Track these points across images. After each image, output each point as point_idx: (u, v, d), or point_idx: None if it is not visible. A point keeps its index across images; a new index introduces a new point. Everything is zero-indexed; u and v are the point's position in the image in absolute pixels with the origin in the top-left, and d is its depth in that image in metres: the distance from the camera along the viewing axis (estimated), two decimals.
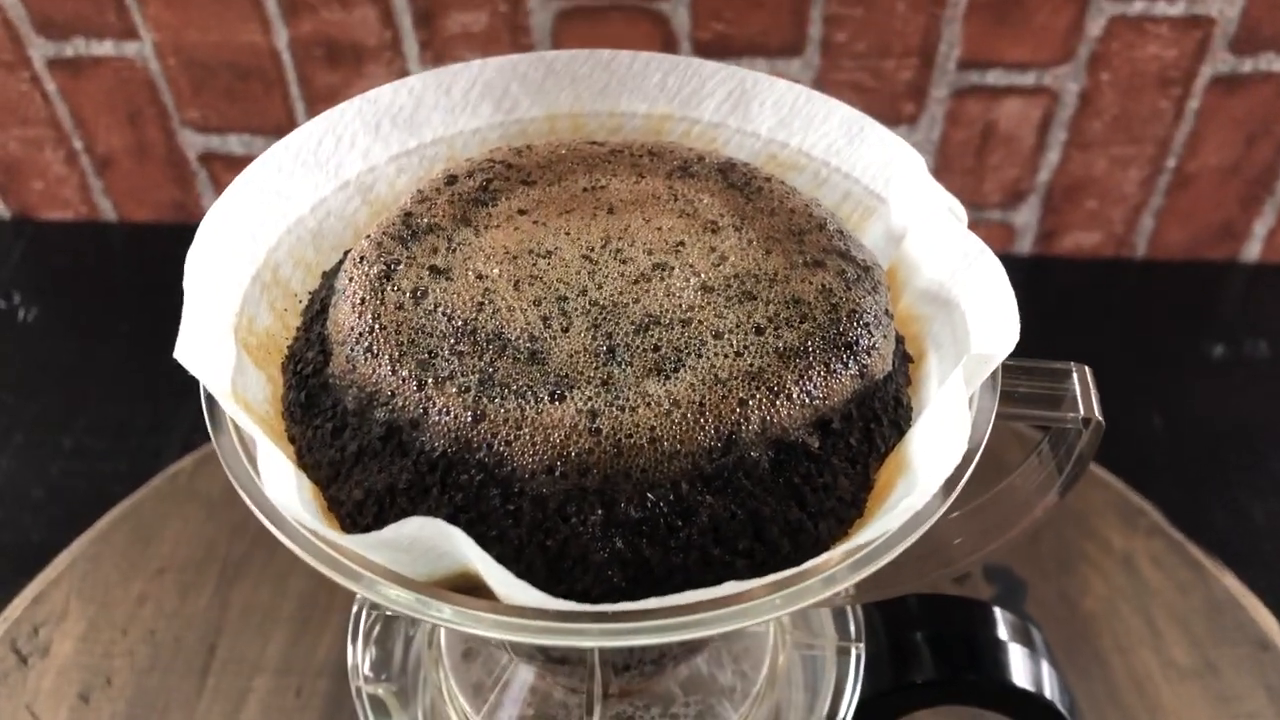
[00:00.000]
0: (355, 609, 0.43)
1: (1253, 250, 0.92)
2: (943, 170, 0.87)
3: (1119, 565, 0.59)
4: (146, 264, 0.93)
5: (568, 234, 0.32)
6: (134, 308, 0.89)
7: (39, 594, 0.58)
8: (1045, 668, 0.41)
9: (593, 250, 0.31)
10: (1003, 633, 0.41)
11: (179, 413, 0.79)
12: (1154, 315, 0.90)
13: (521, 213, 0.33)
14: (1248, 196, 0.88)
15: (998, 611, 0.41)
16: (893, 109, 0.84)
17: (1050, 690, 0.40)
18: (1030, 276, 0.92)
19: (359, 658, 0.42)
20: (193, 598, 0.58)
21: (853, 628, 0.42)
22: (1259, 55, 0.80)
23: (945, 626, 0.41)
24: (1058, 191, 0.89)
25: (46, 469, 0.76)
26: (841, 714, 0.40)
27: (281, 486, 0.26)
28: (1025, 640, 0.41)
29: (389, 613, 0.44)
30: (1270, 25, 0.78)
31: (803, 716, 0.43)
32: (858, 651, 0.41)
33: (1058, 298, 0.91)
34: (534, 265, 0.31)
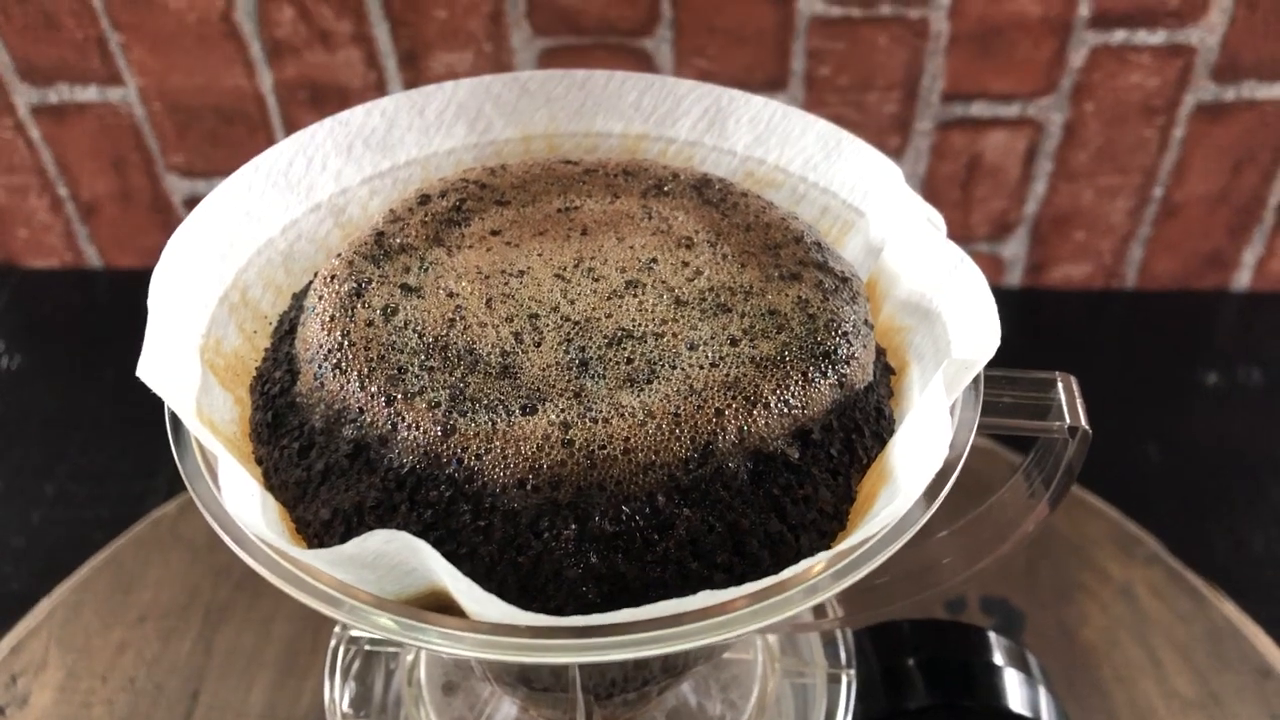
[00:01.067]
0: (333, 644, 0.42)
1: (1243, 279, 0.92)
2: (929, 203, 0.87)
3: (1118, 595, 0.58)
4: (131, 310, 0.92)
5: (540, 255, 0.31)
6: (119, 354, 0.87)
7: (18, 643, 0.56)
8: (1042, 693, 0.40)
9: (565, 270, 0.31)
10: (998, 658, 0.40)
11: (162, 459, 0.78)
12: (1146, 345, 0.90)
13: (494, 233, 0.32)
14: (1236, 225, 0.88)
15: (992, 636, 0.41)
16: (877, 142, 0.83)
17: (1048, 715, 0.39)
18: (1020, 309, 0.92)
19: (337, 694, 0.41)
20: (175, 644, 0.57)
21: (843, 654, 0.41)
22: (1241, 83, 0.80)
23: (939, 651, 0.40)
24: (1045, 223, 0.89)
25: (28, 516, 0.75)
26: None
27: (245, 505, 0.25)
28: (1021, 665, 0.40)
29: (368, 647, 0.43)
30: (1251, 53, 0.78)
31: None
32: (849, 678, 0.40)
33: (1048, 330, 0.91)
34: (506, 284, 0.30)
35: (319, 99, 0.83)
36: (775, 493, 0.27)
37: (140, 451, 0.79)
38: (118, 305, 0.94)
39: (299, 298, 0.33)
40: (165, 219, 0.92)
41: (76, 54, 0.81)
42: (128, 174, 0.88)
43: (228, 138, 0.86)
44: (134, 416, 0.81)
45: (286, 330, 0.32)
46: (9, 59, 0.82)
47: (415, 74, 0.82)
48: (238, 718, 0.53)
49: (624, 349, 0.28)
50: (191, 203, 0.91)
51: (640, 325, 0.29)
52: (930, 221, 0.32)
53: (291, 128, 0.85)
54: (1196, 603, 0.58)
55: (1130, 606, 0.58)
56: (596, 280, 0.31)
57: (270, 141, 0.86)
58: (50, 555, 0.72)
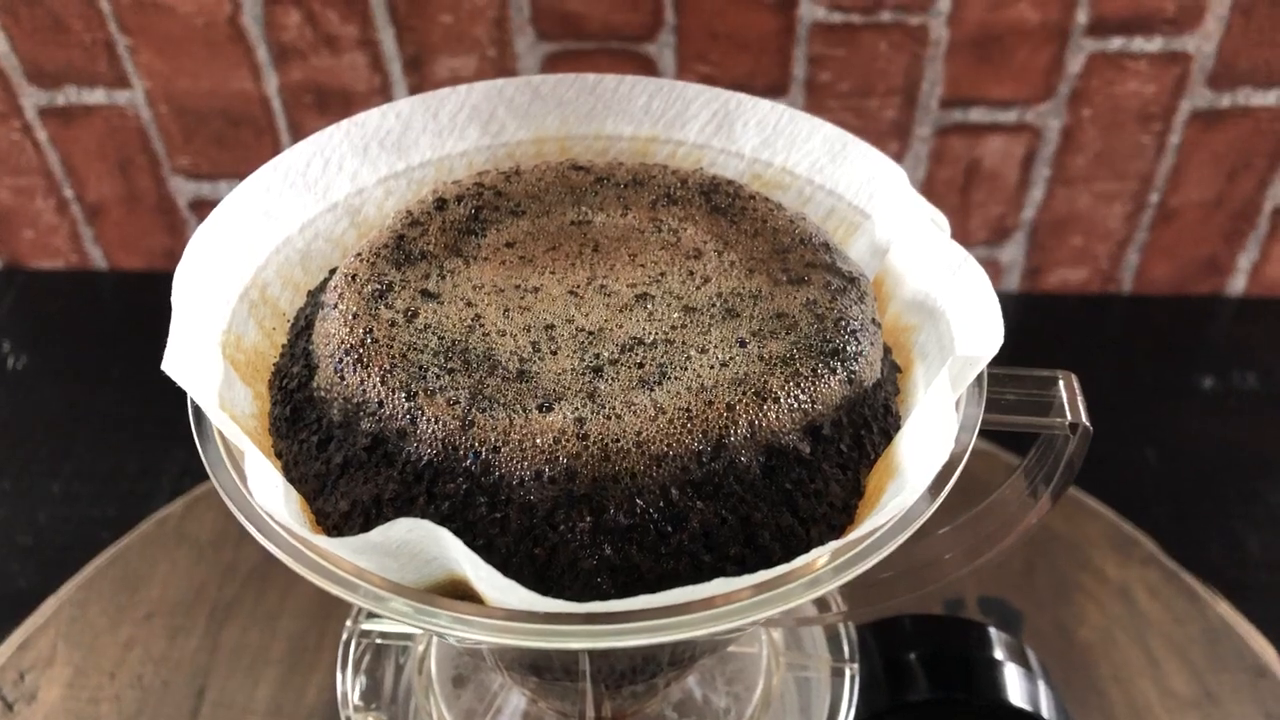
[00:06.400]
0: (345, 637, 0.43)
1: (1237, 284, 0.93)
2: None
3: (1115, 595, 0.59)
4: (136, 311, 0.93)
5: (553, 273, 0.32)
6: (123, 355, 0.88)
7: (25, 639, 0.57)
8: (1042, 687, 0.40)
9: (578, 287, 0.32)
10: (998, 652, 0.41)
11: (168, 458, 0.79)
12: (1142, 349, 0.91)
13: (509, 245, 0.33)
14: (1231, 230, 0.89)
15: (992, 631, 0.41)
16: (877, 147, 0.85)
17: (1047, 710, 0.40)
18: (1017, 313, 0.92)
19: (348, 686, 0.42)
20: (181, 641, 0.57)
21: (846, 648, 0.42)
22: (1237, 90, 0.81)
23: (940, 646, 0.41)
24: (1043, 228, 0.90)
25: (34, 515, 0.76)
26: None
27: (269, 496, 0.25)
28: (1021, 660, 0.41)
29: (379, 641, 0.44)
30: (1246, 60, 0.79)
31: None
32: (852, 672, 0.41)
33: (1045, 333, 0.92)
34: (521, 298, 0.31)
35: (324, 102, 0.84)
36: (787, 486, 0.27)
37: (145, 451, 0.80)
38: (123, 306, 0.95)
39: (315, 295, 0.34)
40: (170, 221, 0.92)
41: (84, 57, 0.82)
42: (134, 176, 0.89)
43: (234, 140, 0.86)
44: (139, 416, 0.82)
45: (303, 326, 0.32)
46: (17, 61, 0.82)
47: (420, 78, 0.83)
48: (244, 714, 0.54)
49: (635, 355, 0.29)
50: (197, 205, 0.91)
51: (651, 333, 0.30)
52: (934, 222, 0.33)
53: (297, 131, 0.86)
54: (1193, 603, 0.58)
55: (1127, 607, 0.58)
56: (609, 295, 0.31)
57: (276, 144, 0.87)
58: (57, 553, 0.73)
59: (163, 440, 0.79)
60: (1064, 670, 0.55)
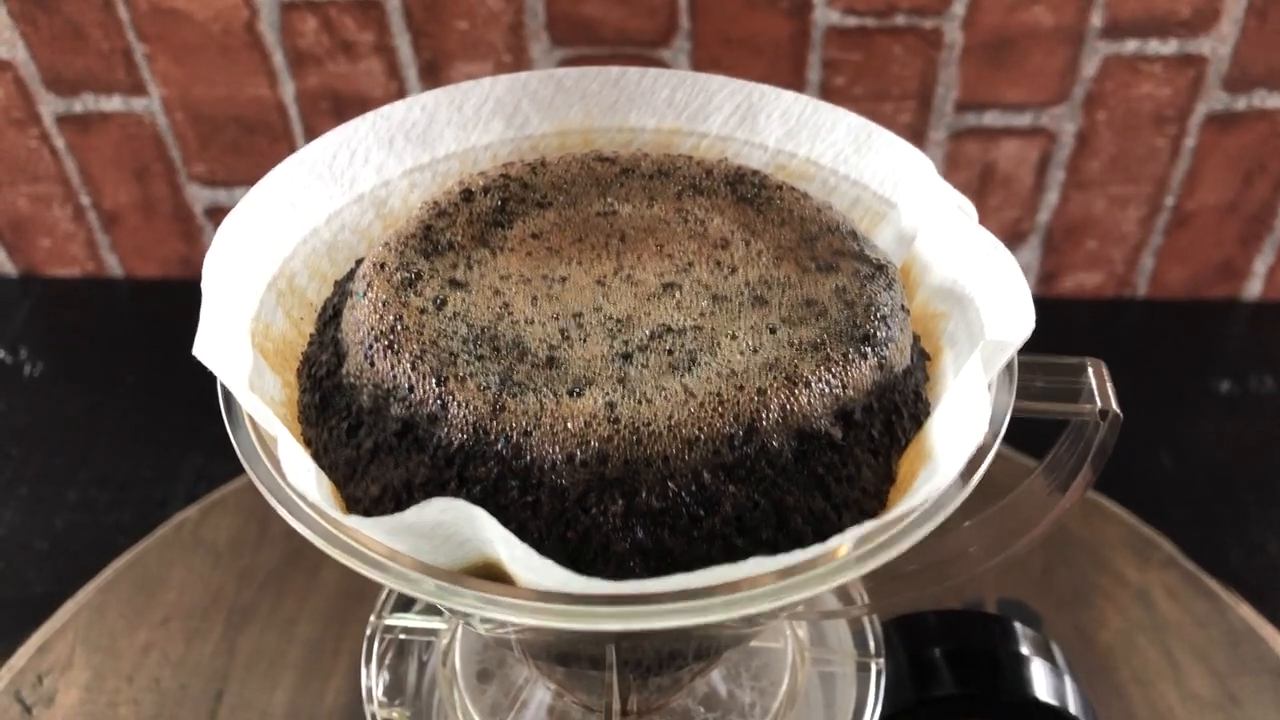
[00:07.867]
0: (368, 633, 0.43)
1: (1254, 288, 0.93)
2: None
3: (1134, 598, 0.59)
4: (152, 319, 0.93)
5: (580, 264, 0.32)
6: (139, 362, 0.89)
7: (44, 643, 0.57)
8: (1068, 682, 0.40)
9: (605, 277, 0.32)
10: (1023, 647, 0.41)
11: (184, 464, 0.79)
12: (1158, 354, 0.90)
13: (535, 236, 0.33)
14: (1247, 234, 0.89)
15: (1017, 626, 0.41)
16: None
17: (1074, 705, 0.40)
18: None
19: (372, 682, 0.42)
20: (198, 645, 0.57)
21: (872, 643, 0.42)
22: (1253, 92, 0.81)
23: (965, 641, 0.41)
24: (1058, 232, 0.90)
25: (51, 521, 0.76)
26: None
27: (302, 480, 0.25)
28: (1046, 655, 0.41)
29: (402, 636, 0.44)
30: (1262, 63, 0.79)
31: None
32: (878, 667, 0.41)
33: (1061, 338, 0.91)
34: (549, 288, 0.31)
35: (340, 109, 0.84)
36: (819, 471, 0.27)
37: (161, 457, 0.80)
38: (138, 314, 0.95)
39: (342, 284, 0.34)
40: (186, 229, 0.93)
41: (102, 64, 0.82)
42: (150, 183, 0.89)
43: (249, 147, 0.87)
44: (154, 423, 0.82)
45: (331, 315, 0.33)
46: (36, 69, 0.83)
47: (435, 84, 0.82)
48: (262, 718, 0.54)
49: (665, 341, 0.29)
50: (213, 212, 0.91)
51: (680, 321, 0.30)
52: (961, 209, 0.33)
53: (313, 137, 0.86)
54: (1213, 605, 0.58)
55: (1147, 609, 0.58)
56: (636, 285, 0.31)
57: (292, 151, 0.86)
58: (74, 559, 0.73)
59: (179, 446, 0.79)
60: (1085, 673, 0.55)
